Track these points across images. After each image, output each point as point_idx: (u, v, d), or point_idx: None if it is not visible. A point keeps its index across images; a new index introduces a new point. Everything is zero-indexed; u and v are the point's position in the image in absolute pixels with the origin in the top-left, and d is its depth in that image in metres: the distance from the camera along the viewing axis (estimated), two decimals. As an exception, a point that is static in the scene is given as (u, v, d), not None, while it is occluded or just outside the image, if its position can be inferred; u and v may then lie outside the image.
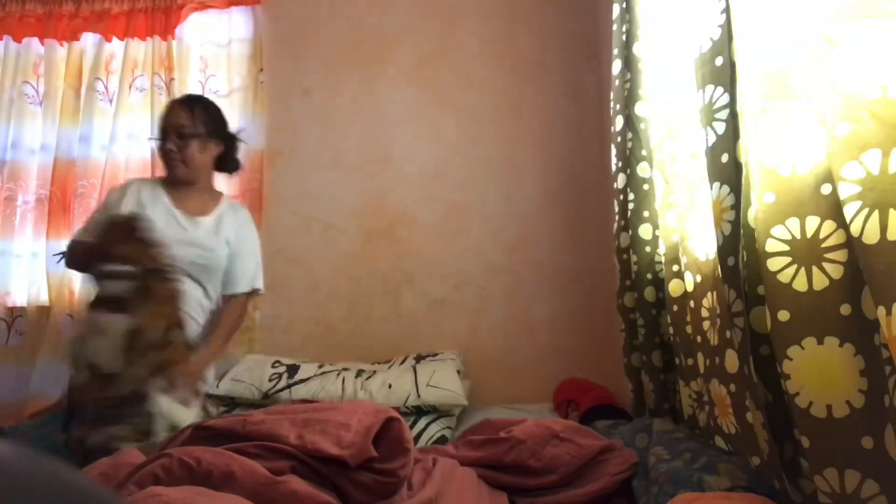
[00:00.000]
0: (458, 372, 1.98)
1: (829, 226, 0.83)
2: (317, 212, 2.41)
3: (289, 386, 1.88)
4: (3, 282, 2.41)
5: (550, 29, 2.42)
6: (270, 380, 1.91)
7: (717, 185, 1.04)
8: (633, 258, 1.57)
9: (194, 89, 2.44)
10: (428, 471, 1.10)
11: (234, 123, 1.90)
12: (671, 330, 1.39)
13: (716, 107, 1.04)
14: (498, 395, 2.19)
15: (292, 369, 1.96)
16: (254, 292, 1.82)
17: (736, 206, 0.99)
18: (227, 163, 1.83)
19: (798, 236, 0.85)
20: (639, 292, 1.55)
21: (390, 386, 1.86)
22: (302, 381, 1.90)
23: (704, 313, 1.21)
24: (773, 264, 0.87)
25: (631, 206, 1.58)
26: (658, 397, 1.50)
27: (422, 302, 2.34)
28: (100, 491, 0.37)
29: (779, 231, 0.87)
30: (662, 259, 1.45)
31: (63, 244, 2.37)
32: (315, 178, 2.43)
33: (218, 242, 1.72)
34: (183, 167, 1.69)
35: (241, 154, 1.89)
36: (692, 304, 1.27)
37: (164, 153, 1.69)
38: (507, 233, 2.35)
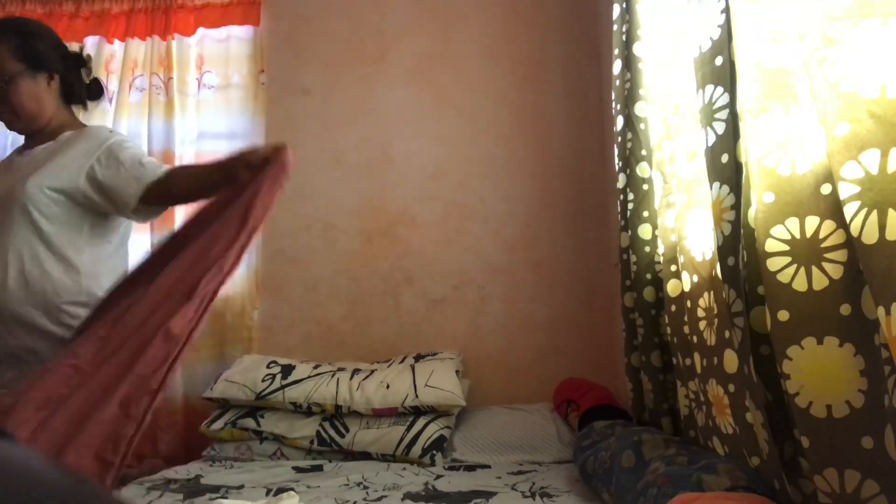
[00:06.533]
0: (457, 372, 1.98)
1: (828, 226, 0.83)
2: (317, 212, 2.41)
3: (282, 387, 1.88)
4: None
5: (550, 29, 2.42)
6: (264, 381, 1.90)
7: (716, 185, 1.04)
8: (633, 258, 1.57)
9: (192, 87, 2.43)
10: None
11: (71, 51, 1.45)
12: (669, 330, 1.39)
13: (716, 107, 1.04)
14: (498, 395, 2.19)
15: (287, 370, 1.95)
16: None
17: (736, 206, 0.99)
18: (72, 94, 1.45)
19: (798, 236, 0.85)
20: (638, 292, 1.55)
21: (388, 386, 1.86)
22: (296, 382, 1.90)
23: (701, 313, 1.21)
24: (773, 264, 0.87)
25: (631, 206, 1.58)
26: (657, 397, 1.50)
27: (422, 302, 2.34)
28: (104, 491, 0.37)
29: (778, 231, 0.87)
30: (661, 259, 1.45)
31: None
32: (315, 178, 2.42)
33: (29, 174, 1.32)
34: (15, 119, 1.36)
35: (97, 77, 1.52)
36: (689, 304, 1.27)
37: None
38: (507, 233, 2.35)
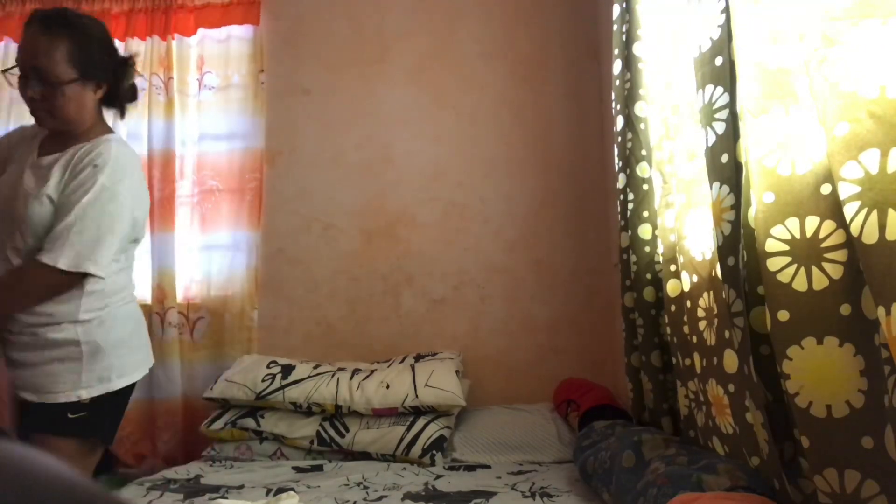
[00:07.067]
0: (457, 372, 1.98)
1: (828, 226, 0.83)
2: (317, 212, 2.41)
3: (282, 387, 1.88)
4: None
5: (550, 29, 2.42)
6: (264, 381, 1.90)
7: (716, 184, 1.04)
8: (633, 258, 1.57)
9: (192, 87, 2.43)
10: None
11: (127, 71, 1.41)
12: (668, 330, 1.39)
13: (716, 107, 1.04)
14: (498, 395, 2.19)
15: (287, 370, 1.95)
16: (69, 273, 1.24)
17: (736, 206, 0.99)
18: (115, 99, 1.43)
19: (798, 236, 0.85)
20: (638, 292, 1.55)
21: (388, 386, 1.86)
22: (296, 382, 1.90)
23: (701, 313, 1.21)
24: (773, 264, 0.87)
25: (630, 206, 1.58)
26: (657, 397, 1.50)
27: (422, 302, 2.34)
28: (104, 491, 0.37)
29: (778, 231, 0.87)
30: (661, 259, 1.45)
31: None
32: (315, 178, 2.43)
33: (33, 190, 1.29)
34: (50, 119, 1.32)
35: (134, 82, 1.47)
36: (689, 304, 1.27)
37: (26, 99, 1.31)
38: (507, 233, 2.35)
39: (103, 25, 1.42)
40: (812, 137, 0.87)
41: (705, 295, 1.19)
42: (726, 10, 1.01)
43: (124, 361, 1.38)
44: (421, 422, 1.80)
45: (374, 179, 2.41)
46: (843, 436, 0.80)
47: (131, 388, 1.42)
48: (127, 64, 1.44)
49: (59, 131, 1.37)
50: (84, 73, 1.32)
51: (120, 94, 1.43)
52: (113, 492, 0.83)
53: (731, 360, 1.07)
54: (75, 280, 1.28)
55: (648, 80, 1.54)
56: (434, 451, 1.73)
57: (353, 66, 2.46)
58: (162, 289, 2.29)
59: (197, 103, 2.44)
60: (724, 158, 1.02)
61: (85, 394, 1.30)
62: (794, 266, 0.85)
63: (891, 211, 0.67)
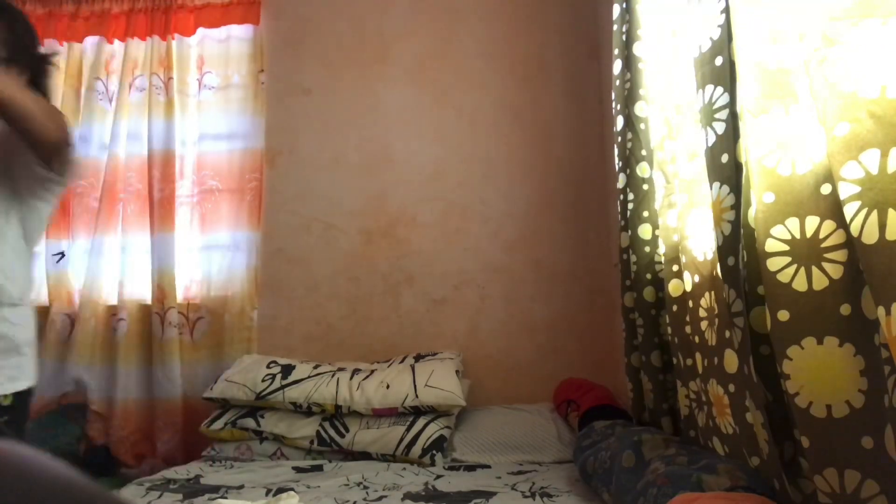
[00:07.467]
0: (457, 372, 1.98)
1: (828, 226, 0.83)
2: (317, 212, 2.41)
3: (282, 387, 1.88)
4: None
5: (550, 29, 2.42)
6: (263, 381, 1.90)
7: (716, 184, 1.04)
8: (633, 258, 1.57)
9: (192, 87, 2.43)
10: None
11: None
12: (669, 330, 1.39)
13: (716, 107, 1.04)
14: (498, 395, 2.19)
15: (287, 370, 1.95)
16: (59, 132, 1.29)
17: (736, 206, 0.99)
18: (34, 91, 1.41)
19: (798, 236, 0.85)
20: (638, 292, 1.55)
21: (388, 386, 1.86)
22: (296, 382, 1.90)
23: (702, 313, 1.21)
24: (773, 264, 0.87)
25: (630, 206, 1.58)
26: (657, 397, 1.50)
27: (422, 302, 2.34)
28: (104, 491, 0.37)
29: (778, 231, 0.87)
30: (662, 259, 1.45)
31: (63, 244, 2.37)
32: (315, 178, 2.43)
33: None
34: None
35: (51, 80, 1.47)
36: (691, 304, 1.27)
37: None
38: (507, 233, 2.35)
39: (28, 17, 1.45)
40: (812, 137, 0.87)
41: (706, 295, 1.19)
42: (726, 10, 1.01)
43: (30, 362, 1.35)
44: (421, 422, 1.80)
45: (374, 179, 2.41)
46: (843, 436, 0.80)
47: (33, 391, 1.36)
48: (48, 60, 1.44)
49: None
50: (11, 56, 1.33)
51: (40, 87, 1.42)
52: (113, 492, 0.83)
53: (731, 360, 1.07)
54: (58, 144, 1.29)
55: (648, 80, 1.54)
56: (434, 451, 1.73)
57: (353, 66, 2.46)
58: (162, 289, 2.29)
59: (197, 103, 2.44)
60: (724, 158, 1.02)
61: None
62: (794, 266, 0.85)
63: (891, 211, 0.67)
